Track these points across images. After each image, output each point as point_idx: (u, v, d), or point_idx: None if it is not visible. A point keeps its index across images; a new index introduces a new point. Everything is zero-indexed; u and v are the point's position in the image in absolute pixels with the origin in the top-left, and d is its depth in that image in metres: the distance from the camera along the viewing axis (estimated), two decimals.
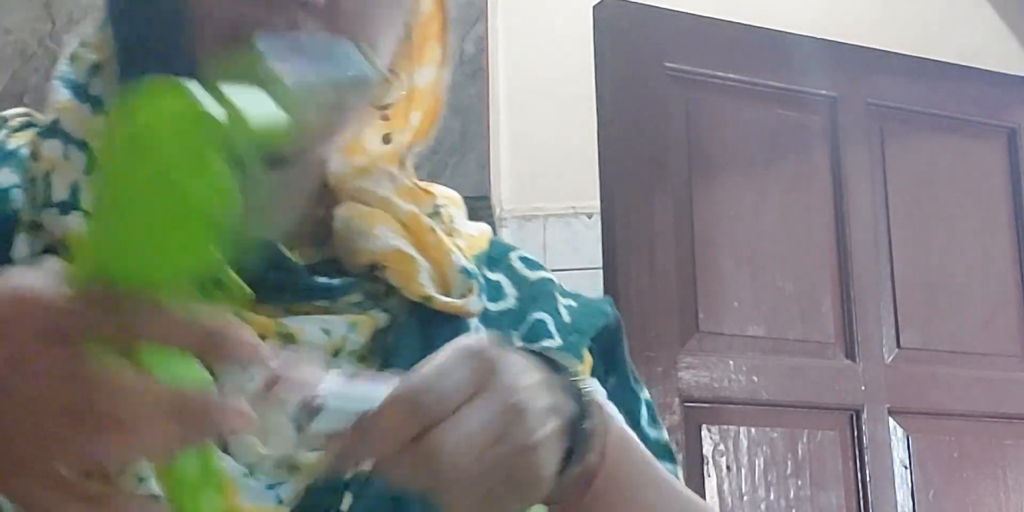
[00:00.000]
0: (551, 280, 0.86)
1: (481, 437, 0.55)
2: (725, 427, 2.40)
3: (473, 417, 0.55)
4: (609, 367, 0.84)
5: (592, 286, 2.37)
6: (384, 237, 0.76)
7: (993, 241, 2.78)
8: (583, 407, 0.62)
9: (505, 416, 0.56)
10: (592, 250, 2.56)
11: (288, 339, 0.71)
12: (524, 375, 0.59)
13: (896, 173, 2.72)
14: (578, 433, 0.62)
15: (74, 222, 0.69)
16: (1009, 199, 2.81)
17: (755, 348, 2.47)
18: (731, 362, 2.43)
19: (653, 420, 0.84)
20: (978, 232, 2.76)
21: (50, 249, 0.69)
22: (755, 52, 2.61)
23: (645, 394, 0.85)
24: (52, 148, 0.72)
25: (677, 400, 2.33)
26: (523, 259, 0.87)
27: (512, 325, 0.80)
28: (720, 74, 2.57)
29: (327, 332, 0.72)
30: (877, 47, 2.75)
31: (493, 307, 0.81)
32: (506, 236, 2.74)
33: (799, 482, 2.44)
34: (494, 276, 0.83)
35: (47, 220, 0.70)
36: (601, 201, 2.47)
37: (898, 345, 2.63)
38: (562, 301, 0.84)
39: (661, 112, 2.50)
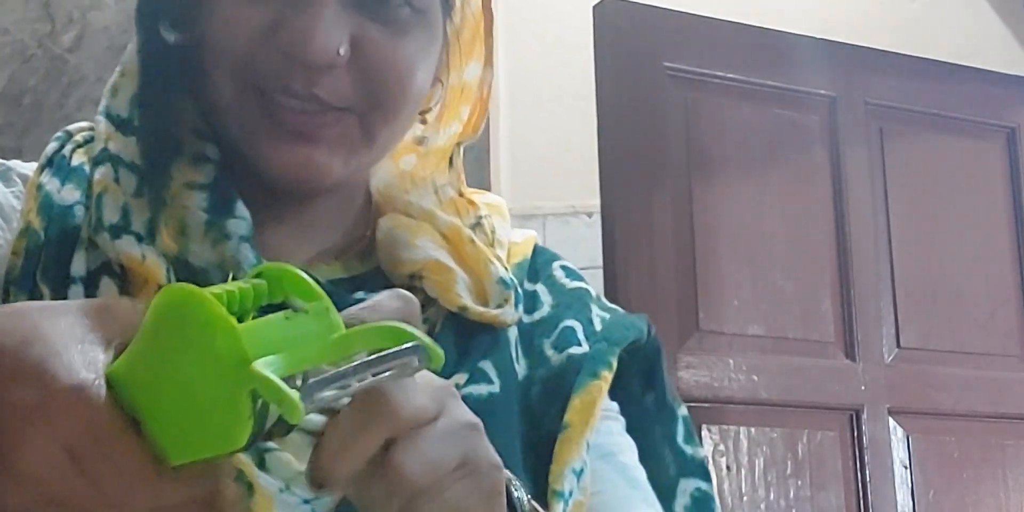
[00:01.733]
0: (588, 291, 0.87)
1: (443, 454, 0.54)
2: (725, 427, 2.40)
3: (436, 434, 0.54)
4: (647, 383, 0.86)
5: (592, 286, 2.37)
6: (424, 248, 0.79)
7: (993, 241, 2.78)
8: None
9: (465, 435, 0.56)
10: (592, 249, 2.56)
11: None
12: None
13: (896, 173, 2.72)
14: (517, 504, 0.62)
15: (124, 245, 0.72)
16: (1009, 199, 2.81)
17: (755, 348, 2.46)
18: (731, 361, 2.42)
19: (689, 437, 0.85)
20: (978, 232, 2.76)
21: (106, 266, 0.72)
22: (755, 52, 2.61)
23: (683, 411, 0.86)
24: (103, 173, 0.75)
25: None
26: (564, 268, 0.89)
27: (544, 334, 0.82)
28: (720, 74, 2.57)
29: None
30: (877, 47, 2.75)
31: (528, 319, 0.83)
32: None
33: (799, 482, 2.44)
34: (533, 287, 0.85)
35: (101, 242, 0.72)
36: (601, 200, 2.47)
37: (898, 345, 2.62)
38: (596, 311, 0.85)
39: (661, 112, 2.50)
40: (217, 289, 0.50)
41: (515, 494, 0.62)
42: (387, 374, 0.52)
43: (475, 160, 2.51)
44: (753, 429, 2.42)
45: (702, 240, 2.47)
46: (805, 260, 2.57)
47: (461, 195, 0.85)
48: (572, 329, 0.82)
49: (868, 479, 2.49)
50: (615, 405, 0.83)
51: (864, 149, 2.69)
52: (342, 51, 0.73)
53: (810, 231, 2.59)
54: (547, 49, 2.96)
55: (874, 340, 2.59)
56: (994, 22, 3.08)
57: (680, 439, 0.84)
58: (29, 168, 0.79)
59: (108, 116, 0.78)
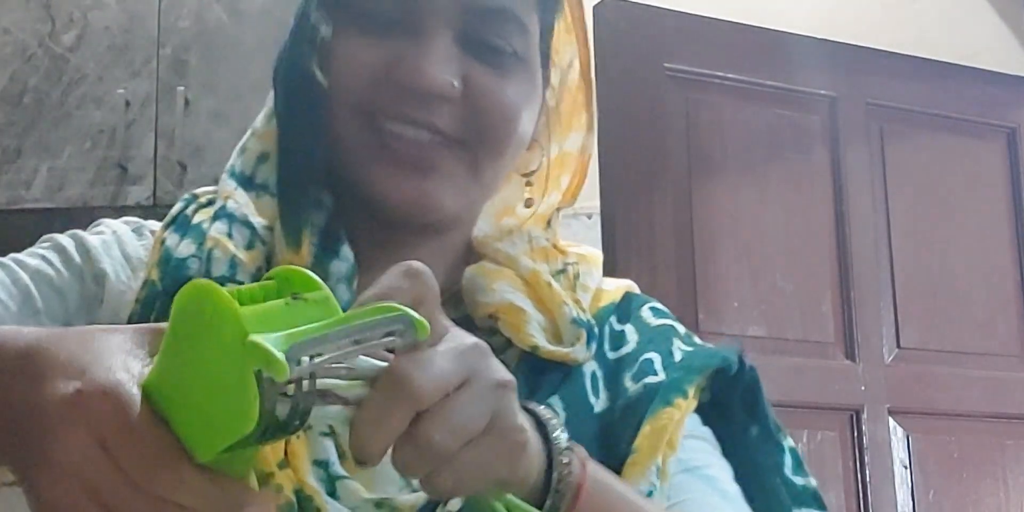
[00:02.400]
0: (673, 327, 0.89)
1: (470, 421, 0.57)
2: None
3: (463, 401, 0.56)
4: (750, 415, 0.88)
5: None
6: (500, 291, 0.83)
7: (993, 241, 2.78)
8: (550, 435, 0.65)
9: (493, 397, 0.58)
10: None
11: None
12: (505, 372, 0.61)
13: (896, 173, 2.72)
14: (553, 444, 0.64)
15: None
16: (1009, 199, 2.81)
17: (755, 348, 2.46)
18: None
19: (799, 467, 0.87)
20: (978, 232, 2.76)
21: None
22: (755, 52, 2.61)
23: (789, 442, 0.88)
24: (218, 229, 0.81)
25: None
26: (653, 309, 0.91)
27: (627, 367, 0.85)
28: (720, 74, 2.57)
29: None
30: (877, 47, 2.75)
31: (614, 355, 0.86)
32: None
33: None
34: (622, 327, 0.88)
35: None
36: (601, 201, 2.47)
37: (898, 345, 2.62)
38: (678, 344, 0.87)
39: (661, 112, 2.50)
40: (229, 287, 0.54)
41: (552, 433, 0.64)
42: (376, 342, 0.54)
43: None
44: None
45: (702, 240, 2.47)
46: (805, 260, 2.57)
47: (555, 246, 0.89)
48: (651, 361, 0.84)
49: (868, 479, 2.49)
50: (707, 430, 0.85)
51: (864, 149, 2.69)
52: (456, 84, 0.78)
53: (810, 231, 2.60)
54: None
55: (874, 340, 2.60)
56: (994, 22, 3.08)
57: (789, 470, 0.86)
58: (159, 226, 0.86)
59: (232, 174, 0.84)
